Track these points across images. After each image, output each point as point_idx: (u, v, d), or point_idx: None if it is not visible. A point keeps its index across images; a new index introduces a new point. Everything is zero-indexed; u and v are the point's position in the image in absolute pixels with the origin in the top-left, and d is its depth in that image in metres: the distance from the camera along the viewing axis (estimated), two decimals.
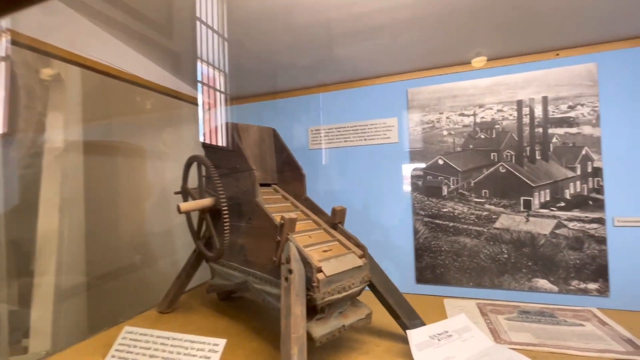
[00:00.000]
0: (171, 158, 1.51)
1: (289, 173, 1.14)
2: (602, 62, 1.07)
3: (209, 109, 1.29)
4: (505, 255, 1.16)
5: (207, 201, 0.97)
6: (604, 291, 1.07)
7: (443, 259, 1.23)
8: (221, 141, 1.11)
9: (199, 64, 1.22)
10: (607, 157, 1.07)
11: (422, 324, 0.87)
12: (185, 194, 1.08)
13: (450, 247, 1.23)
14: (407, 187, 1.29)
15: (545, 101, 1.13)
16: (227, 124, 1.10)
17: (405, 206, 1.30)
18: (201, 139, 1.14)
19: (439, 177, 1.25)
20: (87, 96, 1.19)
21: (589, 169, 1.09)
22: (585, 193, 1.09)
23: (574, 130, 1.10)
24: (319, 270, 0.73)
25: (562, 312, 1.04)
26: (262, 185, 1.13)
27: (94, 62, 1.16)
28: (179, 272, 1.15)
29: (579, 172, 1.10)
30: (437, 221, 1.25)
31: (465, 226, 1.21)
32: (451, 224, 1.23)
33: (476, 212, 1.20)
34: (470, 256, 1.20)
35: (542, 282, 1.12)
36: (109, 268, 1.26)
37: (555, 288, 1.11)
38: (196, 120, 1.55)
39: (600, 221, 1.07)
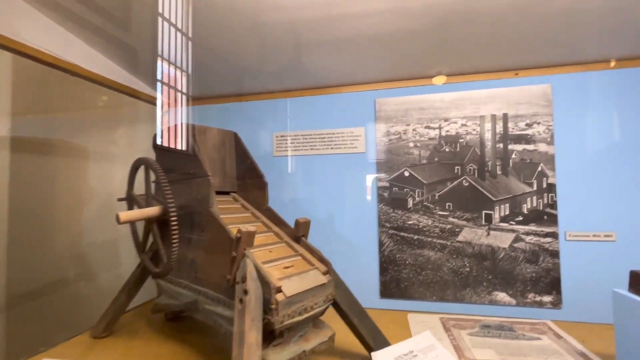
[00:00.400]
0: (121, 160, 1.37)
1: (250, 181, 1.06)
2: (556, 84, 1.13)
3: (168, 109, 1.18)
4: (468, 269, 1.17)
5: (152, 210, 0.86)
6: (557, 303, 1.10)
7: (407, 273, 1.21)
8: (175, 143, 1.01)
9: (159, 61, 1.12)
10: (560, 173, 1.12)
11: (387, 344, 0.83)
12: (131, 201, 0.96)
13: (414, 260, 1.21)
14: (373, 199, 1.27)
15: (505, 118, 1.16)
16: (183, 125, 1.01)
17: (370, 218, 1.27)
18: (155, 140, 1.03)
19: (405, 189, 1.23)
20: (20, 86, 1.03)
21: (544, 185, 1.13)
22: (541, 208, 1.13)
23: (531, 147, 1.14)
24: (279, 290, 0.66)
25: (520, 325, 1.05)
26: (219, 193, 1.04)
27: (32, 49, 1.01)
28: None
29: (535, 188, 1.13)
30: (403, 234, 1.23)
31: (429, 239, 1.20)
32: (416, 237, 1.22)
33: (440, 225, 1.20)
34: (434, 269, 1.19)
35: (502, 295, 1.14)
36: (36, 285, 1.09)
37: (514, 301, 1.13)
38: (153, 121, 1.42)
39: (554, 235, 1.11)
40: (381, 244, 1.25)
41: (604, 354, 0.87)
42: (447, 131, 1.21)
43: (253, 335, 0.60)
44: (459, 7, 0.90)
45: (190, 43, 1.13)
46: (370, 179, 1.28)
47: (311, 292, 0.73)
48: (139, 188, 0.95)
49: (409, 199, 1.23)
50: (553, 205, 1.12)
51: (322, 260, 0.82)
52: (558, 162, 1.12)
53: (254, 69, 1.24)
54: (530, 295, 1.12)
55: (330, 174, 1.32)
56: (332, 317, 0.82)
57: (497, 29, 0.97)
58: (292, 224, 0.89)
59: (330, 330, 0.78)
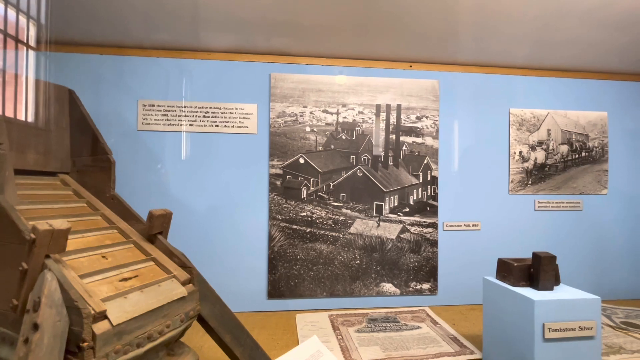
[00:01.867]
0: None
1: (89, 158, 0.77)
2: (443, 80, 1.18)
3: None
4: (358, 262, 1.13)
5: None
6: (433, 290, 1.16)
7: (298, 269, 1.11)
8: None
9: None
10: (442, 167, 1.18)
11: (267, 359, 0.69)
12: None
13: (306, 255, 1.11)
14: (263, 188, 1.11)
15: (399, 109, 1.16)
16: None
17: (260, 209, 1.11)
18: None
19: (300, 178, 1.12)
20: None
21: (429, 177, 1.17)
22: (425, 199, 1.17)
23: (419, 139, 1.17)
24: (100, 317, 0.44)
25: (403, 314, 1.06)
26: (40, 173, 0.72)
27: None
28: None
29: (421, 180, 1.17)
30: (295, 226, 1.11)
31: (322, 232, 1.12)
32: (309, 230, 1.12)
33: (334, 216, 1.13)
34: (325, 264, 1.12)
35: (388, 286, 1.14)
36: None
37: (398, 291, 1.15)
38: None
39: (434, 226, 1.17)
40: (271, 239, 1.10)
41: (469, 334, 0.93)
42: (345, 118, 1.14)
43: None
44: None
45: None
46: (262, 164, 1.11)
47: (161, 312, 0.53)
48: None
49: (303, 189, 1.12)
50: (435, 197, 1.18)
51: (184, 265, 0.62)
52: (441, 156, 1.18)
53: (119, 7, 0.91)
54: (412, 284, 1.15)
55: (214, 157, 1.10)
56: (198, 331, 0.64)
57: (397, 18, 0.92)
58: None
59: (192, 356, 0.59)
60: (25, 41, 0.83)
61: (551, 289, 0.69)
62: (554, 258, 0.69)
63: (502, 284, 0.74)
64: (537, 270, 0.69)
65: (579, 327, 0.64)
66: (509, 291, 0.71)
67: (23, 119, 0.72)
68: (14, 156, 0.65)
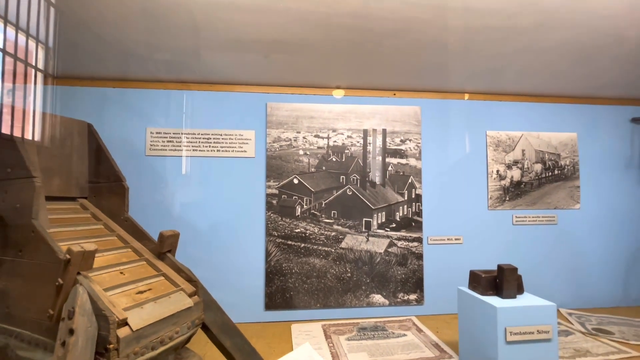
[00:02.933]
0: None
1: (105, 184, 0.87)
2: (424, 106, 1.29)
3: (12, 85, 0.87)
4: (349, 274, 1.22)
5: None
6: (420, 300, 1.25)
7: (293, 282, 1.19)
8: None
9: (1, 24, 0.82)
10: (426, 185, 1.28)
11: None
12: None
13: (300, 268, 1.20)
14: (260, 206, 1.21)
15: (384, 133, 1.27)
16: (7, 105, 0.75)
17: (258, 226, 1.20)
18: None
19: (294, 197, 1.22)
20: None
21: (413, 195, 1.27)
22: (410, 216, 1.27)
23: (404, 161, 1.27)
24: (123, 323, 0.53)
25: (390, 324, 1.15)
26: (62, 199, 0.82)
27: None
28: None
29: (406, 197, 1.27)
30: (290, 242, 1.21)
31: (315, 247, 1.21)
32: (302, 245, 1.21)
33: (326, 232, 1.22)
34: (318, 277, 1.20)
35: (377, 297, 1.23)
36: None
37: (387, 301, 1.23)
38: None
39: (419, 240, 1.26)
40: (267, 254, 1.19)
41: (450, 341, 1.01)
42: (335, 141, 1.25)
43: None
44: (350, 23, 0.91)
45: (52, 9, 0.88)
46: (259, 185, 1.21)
47: (172, 320, 0.62)
48: None
49: (297, 207, 1.22)
50: (419, 214, 1.27)
51: (190, 279, 0.71)
52: (424, 175, 1.28)
53: (125, 44, 1.03)
54: (400, 295, 1.24)
55: (215, 179, 1.20)
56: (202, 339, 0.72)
57: (380, 50, 1.04)
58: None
59: (198, 359, 0.68)
60: (44, 71, 0.94)
61: (514, 297, 0.78)
62: (515, 269, 0.79)
63: (473, 293, 0.83)
64: (502, 281, 0.79)
65: (537, 331, 0.73)
66: (477, 299, 0.80)
67: (49, 149, 0.83)
68: (43, 185, 0.75)
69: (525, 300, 0.77)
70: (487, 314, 0.75)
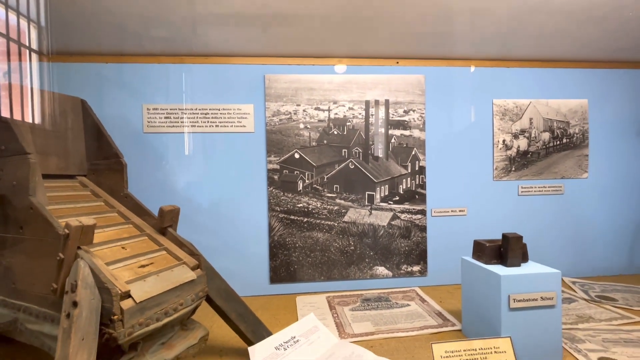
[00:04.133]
0: None
1: (104, 161, 0.86)
2: (428, 75, 1.24)
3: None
4: (352, 247, 1.22)
5: None
6: (423, 271, 1.25)
7: (297, 256, 1.20)
8: None
9: None
10: (429, 157, 1.26)
11: (268, 334, 0.79)
12: None
13: (304, 242, 1.20)
14: (262, 182, 1.20)
15: (387, 104, 1.23)
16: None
17: (260, 202, 1.20)
18: None
19: (295, 172, 1.20)
20: None
21: (417, 167, 1.25)
22: (413, 188, 1.25)
23: (407, 132, 1.24)
24: (125, 295, 0.54)
25: (394, 294, 1.16)
26: (61, 176, 0.81)
27: None
28: None
29: (409, 170, 1.25)
30: (292, 217, 1.20)
31: (318, 221, 1.21)
32: (305, 220, 1.21)
33: (328, 206, 1.21)
34: (322, 250, 1.21)
35: (381, 269, 1.24)
36: None
37: (390, 273, 1.24)
38: None
39: (423, 212, 1.25)
40: (271, 229, 1.20)
41: (453, 310, 1.02)
42: (336, 114, 1.21)
43: (82, 358, 0.47)
44: None
45: None
46: (260, 161, 1.19)
47: (175, 292, 0.62)
48: None
49: (299, 182, 1.20)
50: (423, 186, 1.25)
51: (193, 253, 0.71)
52: (428, 147, 1.25)
53: (118, 17, 0.98)
54: (403, 267, 1.24)
55: (215, 156, 1.18)
56: (208, 312, 0.73)
57: (382, 18, 0.99)
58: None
59: (202, 330, 0.69)
60: (37, 50, 0.91)
61: (518, 265, 0.78)
62: (520, 238, 0.78)
63: (477, 263, 0.82)
64: (506, 249, 0.78)
65: (541, 298, 0.72)
66: (481, 268, 0.79)
67: (43, 127, 0.81)
68: (39, 162, 0.74)
69: (530, 268, 0.77)
70: (491, 282, 0.75)
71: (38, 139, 0.76)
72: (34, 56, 0.92)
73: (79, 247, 0.55)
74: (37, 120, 0.79)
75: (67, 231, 0.53)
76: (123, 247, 0.66)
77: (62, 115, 0.83)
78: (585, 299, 1.09)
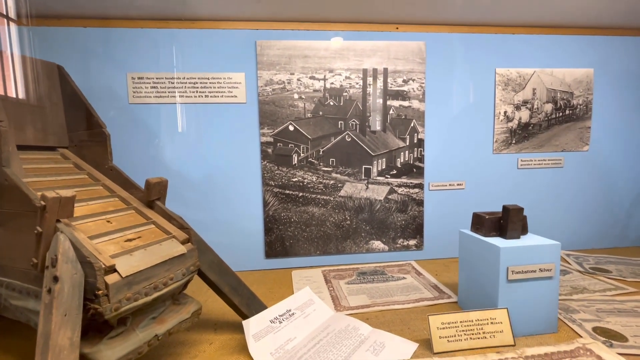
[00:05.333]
0: None
1: (85, 132, 0.81)
2: (429, 41, 1.18)
3: None
4: (348, 222, 1.21)
5: None
6: (420, 245, 1.25)
7: (292, 231, 1.18)
8: None
9: None
10: (429, 129, 1.22)
11: (263, 308, 0.78)
12: None
13: (299, 217, 1.18)
14: (255, 155, 1.16)
15: (386, 73, 1.17)
16: None
17: (254, 176, 1.16)
18: None
19: (290, 145, 1.16)
20: None
21: (415, 140, 1.21)
22: (411, 162, 1.22)
23: (406, 103, 1.19)
24: (110, 270, 0.51)
25: (390, 268, 1.16)
26: (40, 148, 0.76)
27: None
28: None
29: (407, 143, 1.21)
30: (287, 191, 1.17)
31: (314, 195, 1.18)
32: (301, 194, 1.18)
33: (324, 181, 1.18)
34: (317, 225, 1.19)
35: (377, 244, 1.23)
36: None
37: (386, 247, 1.23)
38: None
39: (420, 186, 1.23)
40: (265, 204, 1.17)
41: (449, 282, 1.03)
42: (332, 83, 1.15)
43: (65, 334, 0.45)
44: None
45: None
46: (253, 133, 1.15)
47: (164, 266, 0.60)
48: None
49: (294, 155, 1.16)
50: (421, 159, 1.22)
51: (182, 227, 0.68)
52: (427, 119, 1.21)
53: None
54: (400, 241, 1.24)
55: (205, 128, 1.13)
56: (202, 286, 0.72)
57: None
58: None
59: (195, 305, 0.67)
60: (6, 14, 0.83)
61: (518, 237, 0.76)
62: (521, 210, 0.76)
63: (475, 235, 0.81)
64: (506, 221, 0.76)
65: (540, 269, 0.71)
66: (480, 241, 0.78)
67: (15, 96, 0.75)
68: (14, 133, 0.69)
69: (529, 240, 0.75)
70: (490, 254, 0.74)
71: (10, 107, 0.70)
72: (6, 19, 0.84)
73: (58, 220, 0.52)
74: (8, 87, 0.73)
75: (43, 203, 0.49)
76: (108, 221, 0.63)
77: (36, 82, 0.77)
78: (579, 271, 1.09)
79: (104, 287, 0.49)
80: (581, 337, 0.71)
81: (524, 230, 0.78)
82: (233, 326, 0.79)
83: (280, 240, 1.18)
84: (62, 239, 0.50)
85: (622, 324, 0.76)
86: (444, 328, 0.69)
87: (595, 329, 0.74)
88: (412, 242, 1.24)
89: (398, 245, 1.24)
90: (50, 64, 0.81)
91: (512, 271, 0.71)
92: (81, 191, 0.69)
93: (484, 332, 0.69)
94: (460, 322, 0.70)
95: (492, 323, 0.70)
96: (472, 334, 0.69)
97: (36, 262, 0.52)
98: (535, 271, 0.71)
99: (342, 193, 1.19)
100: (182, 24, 1.09)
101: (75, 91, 0.82)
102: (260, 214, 1.17)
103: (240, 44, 1.11)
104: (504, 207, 0.77)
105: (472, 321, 0.70)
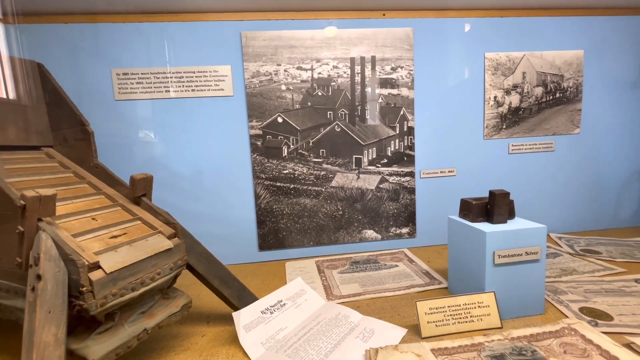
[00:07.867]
0: None
1: (68, 130, 0.80)
2: (417, 27, 1.16)
3: None
4: (340, 212, 1.21)
5: None
6: (412, 233, 1.26)
7: (285, 223, 1.19)
8: None
9: None
10: (418, 117, 1.21)
11: (254, 299, 0.79)
12: None
13: (291, 209, 1.19)
14: (245, 148, 1.15)
15: (373, 61, 1.16)
16: None
17: (244, 169, 1.16)
18: None
19: (279, 137, 1.15)
20: None
21: (405, 128, 1.21)
22: (402, 150, 1.22)
23: (395, 91, 1.18)
24: (95, 266, 0.51)
25: (383, 256, 1.17)
26: (26, 148, 0.76)
27: None
28: None
29: (397, 131, 1.20)
30: (278, 184, 1.17)
31: (305, 187, 1.18)
32: (292, 186, 1.18)
33: (315, 172, 1.18)
34: (310, 216, 1.20)
35: (370, 233, 1.23)
36: None
37: (379, 236, 1.24)
38: None
39: (412, 174, 1.23)
40: (257, 197, 1.17)
41: (440, 269, 1.03)
42: (320, 73, 1.14)
43: (50, 331, 0.45)
44: None
45: None
46: (241, 126, 1.14)
47: (150, 261, 0.60)
48: None
49: (284, 147, 1.16)
50: (412, 147, 1.22)
51: (169, 222, 0.68)
52: (417, 106, 1.20)
53: None
54: (392, 229, 1.24)
55: (193, 122, 1.12)
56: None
57: None
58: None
59: (185, 298, 0.68)
60: None
61: (504, 222, 0.77)
62: (507, 194, 0.76)
63: (462, 221, 0.81)
64: (493, 206, 0.76)
65: (526, 253, 0.72)
66: (467, 226, 0.78)
67: None
68: None
69: (516, 224, 0.76)
70: (477, 239, 0.74)
71: None
72: None
73: (40, 219, 0.52)
74: None
75: (22, 202, 0.49)
76: (93, 218, 0.63)
77: (16, 81, 0.76)
78: (570, 253, 1.10)
79: (88, 283, 0.49)
80: (567, 317, 0.72)
81: (511, 214, 0.79)
82: (225, 318, 0.80)
83: (273, 232, 1.19)
84: (44, 238, 0.50)
85: (608, 303, 0.77)
86: (431, 313, 0.70)
87: (581, 309, 0.75)
88: (404, 230, 1.25)
89: (391, 234, 1.24)
90: (32, 62, 0.80)
91: (499, 255, 0.71)
92: (66, 189, 0.69)
93: (471, 316, 0.70)
94: (448, 306, 0.71)
95: (479, 307, 0.71)
96: (460, 318, 0.70)
97: (20, 262, 0.52)
98: (521, 254, 0.72)
99: (333, 184, 1.19)
100: (166, 16, 1.07)
101: (57, 89, 0.81)
102: (252, 207, 1.18)
103: (225, 35, 1.10)
104: (491, 192, 0.77)
105: (460, 305, 0.71)
